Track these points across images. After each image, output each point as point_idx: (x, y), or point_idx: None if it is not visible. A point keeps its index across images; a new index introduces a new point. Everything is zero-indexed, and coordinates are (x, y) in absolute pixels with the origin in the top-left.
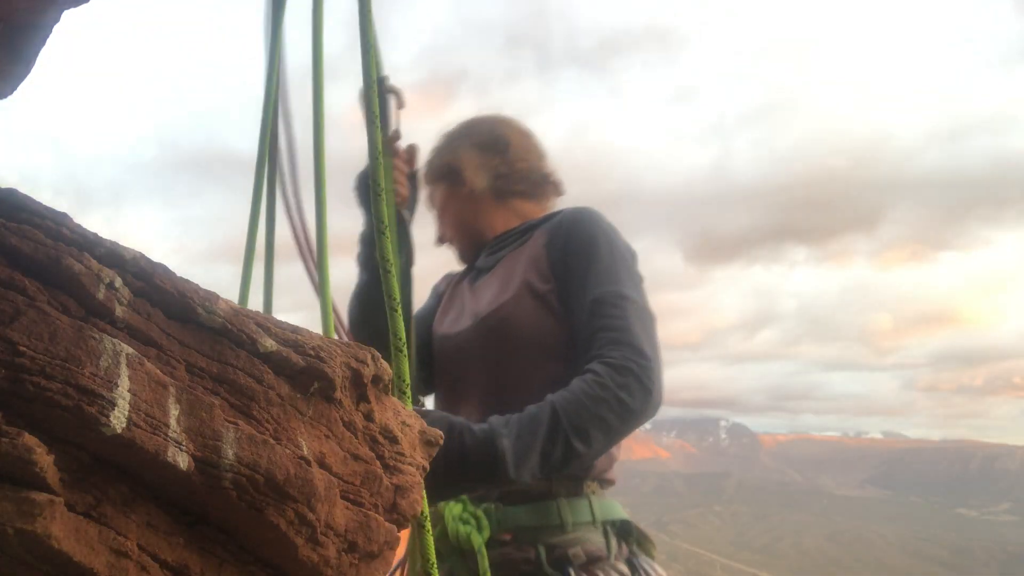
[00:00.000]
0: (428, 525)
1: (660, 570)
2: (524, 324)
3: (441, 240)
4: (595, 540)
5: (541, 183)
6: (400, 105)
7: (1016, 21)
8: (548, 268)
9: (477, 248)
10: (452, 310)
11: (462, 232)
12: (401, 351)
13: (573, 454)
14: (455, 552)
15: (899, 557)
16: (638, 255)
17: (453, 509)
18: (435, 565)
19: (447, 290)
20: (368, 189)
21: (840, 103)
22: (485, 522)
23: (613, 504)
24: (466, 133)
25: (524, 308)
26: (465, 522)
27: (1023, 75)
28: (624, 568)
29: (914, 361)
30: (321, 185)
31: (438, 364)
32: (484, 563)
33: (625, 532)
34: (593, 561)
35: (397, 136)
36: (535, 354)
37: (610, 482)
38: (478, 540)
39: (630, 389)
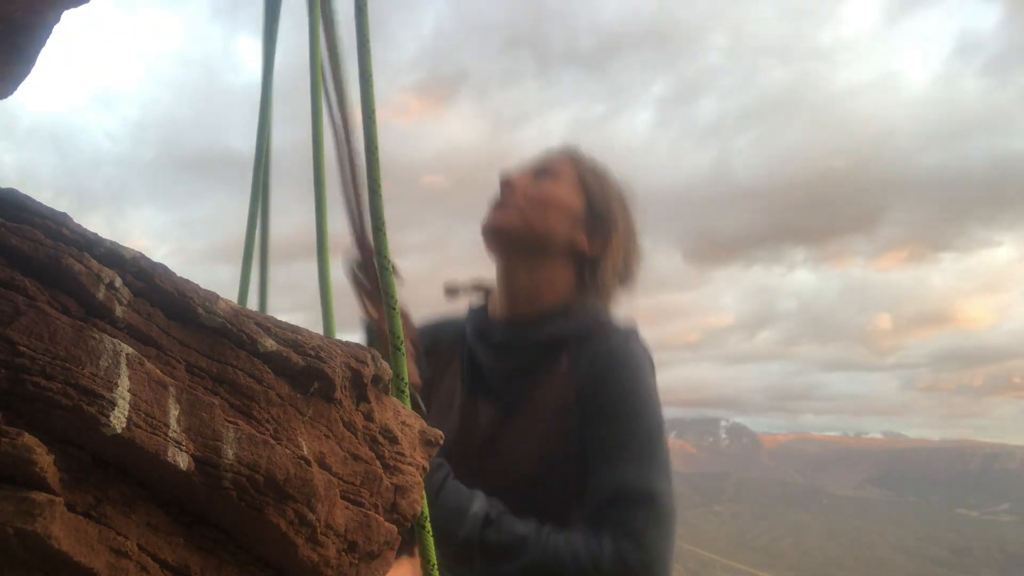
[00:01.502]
0: (428, 526)
1: None
2: (539, 487)
3: (500, 226)
4: None
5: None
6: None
7: (1017, 22)
8: (576, 425)
9: (514, 300)
10: (447, 410)
11: (523, 221)
12: (400, 350)
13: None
14: None
15: (899, 557)
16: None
17: None
18: (436, 566)
19: (445, 357)
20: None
21: (840, 103)
22: None
23: None
24: (627, 203)
25: (542, 479)
26: None
27: (1023, 76)
28: None
29: (914, 361)
30: (321, 185)
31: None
32: None
33: None
34: None
35: (406, 314)
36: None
37: None
38: None
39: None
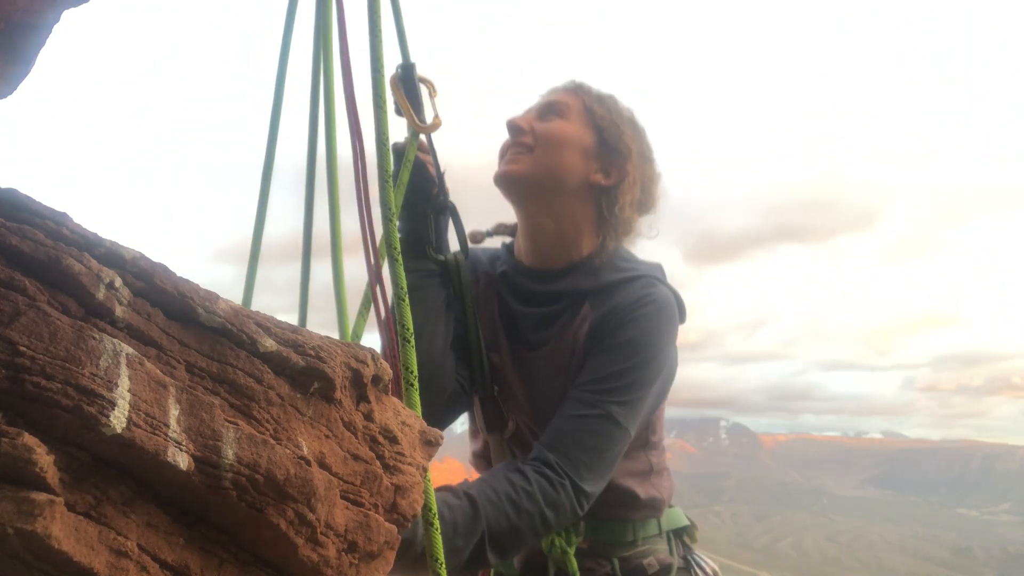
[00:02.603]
0: (437, 523)
1: (709, 562)
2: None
3: (508, 139)
4: (662, 549)
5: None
6: (433, 93)
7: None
8: (583, 356)
9: (540, 245)
10: (497, 353)
11: (538, 164)
12: (409, 342)
13: (484, 563)
14: (546, 556)
15: (899, 557)
16: (684, 319)
17: None
18: (443, 564)
19: (487, 305)
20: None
21: (840, 104)
22: (574, 536)
23: (677, 513)
24: (640, 130)
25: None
26: (559, 535)
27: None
28: (683, 566)
29: (914, 361)
30: (334, 184)
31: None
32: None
33: (681, 533)
34: (665, 570)
35: (439, 123)
36: None
37: (670, 504)
38: (573, 566)
39: (558, 508)
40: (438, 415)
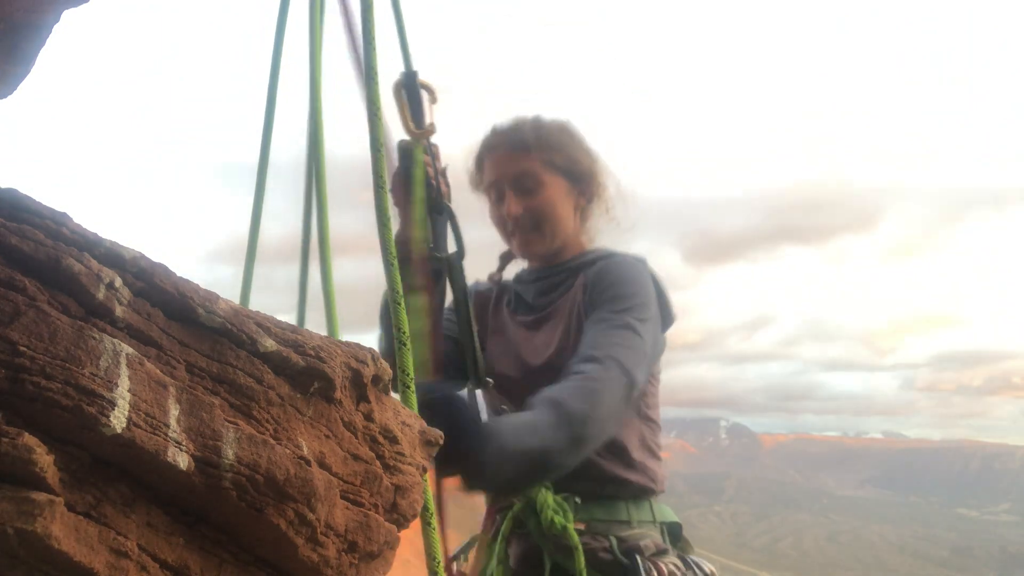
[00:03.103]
0: (435, 523)
1: (707, 564)
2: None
3: (511, 225)
4: (656, 537)
5: (605, 212)
6: (433, 100)
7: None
8: (584, 311)
9: (540, 258)
10: (501, 344)
11: (547, 236)
12: (405, 345)
13: (575, 450)
14: (547, 538)
15: (899, 557)
16: (673, 318)
17: (547, 499)
18: (440, 563)
19: (491, 311)
20: (403, 192)
21: (839, 104)
22: (571, 513)
23: (667, 509)
24: (586, 146)
25: (565, 358)
26: (557, 512)
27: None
28: (679, 563)
29: (914, 361)
30: (322, 183)
31: (491, 393)
32: (581, 560)
33: (675, 534)
34: (659, 553)
35: (432, 130)
36: None
37: (662, 491)
38: (575, 538)
39: (614, 386)
40: None
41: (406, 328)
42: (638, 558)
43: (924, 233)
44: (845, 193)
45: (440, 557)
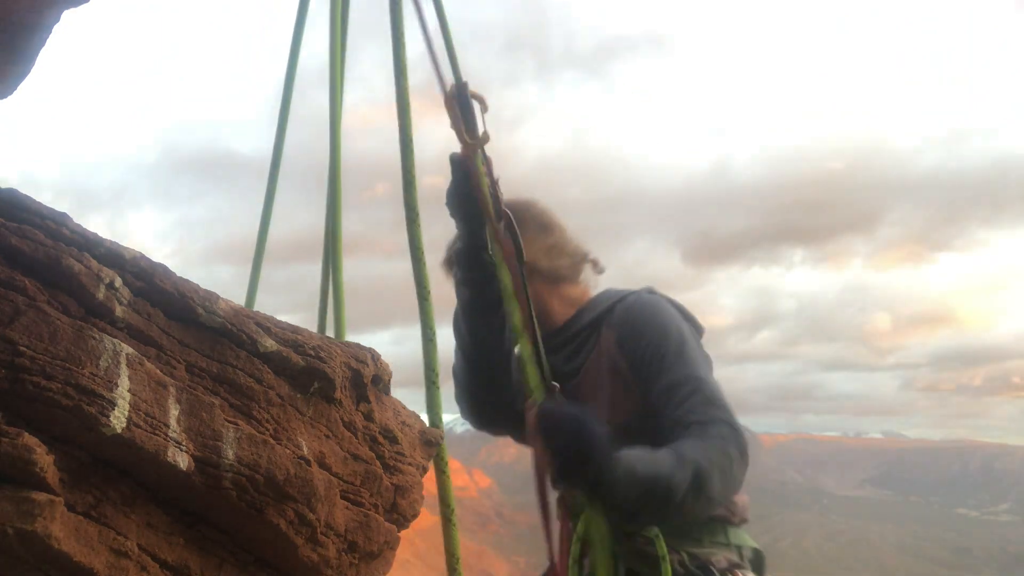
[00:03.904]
0: (455, 519)
1: None
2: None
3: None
4: (731, 555)
5: (582, 264)
6: (484, 109)
7: (1014, 24)
8: (628, 370)
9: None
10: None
11: (547, 324)
12: (432, 341)
13: (695, 499)
14: (623, 546)
15: (899, 557)
16: (703, 329)
17: None
18: (459, 560)
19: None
20: (459, 203)
21: (838, 105)
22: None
23: (746, 535)
24: (532, 222)
25: (616, 419)
26: None
27: (1020, 77)
28: None
29: (914, 361)
30: (336, 183)
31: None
32: (668, 571)
33: (754, 561)
34: (732, 568)
35: (486, 139)
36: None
37: (743, 520)
38: (663, 548)
39: (729, 442)
40: (500, 423)
41: (432, 324)
42: (713, 569)
43: (924, 233)
44: (845, 193)
45: (459, 553)
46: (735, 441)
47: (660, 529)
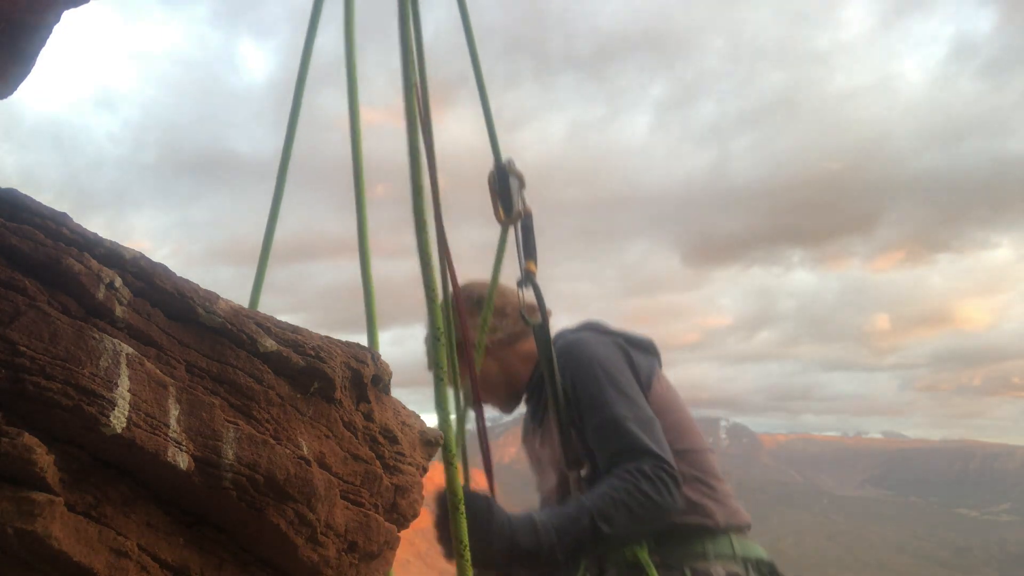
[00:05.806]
0: (463, 508)
1: None
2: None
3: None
4: (733, 567)
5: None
6: (522, 186)
7: (1011, 24)
8: (578, 413)
9: (514, 396)
10: (541, 470)
11: (500, 385)
12: (439, 340)
13: (600, 536)
14: (624, 563)
15: (899, 557)
16: (647, 343)
17: None
18: (467, 547)
19: (529, 447)
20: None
21: (837, 105)
22: (645, 545)
23: (753, 545)
24: (476, 304)
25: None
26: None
27: (1019, 77)
28: None
29: (913, 361)
30: (360, 190)
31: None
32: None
33: (763, 571)
34: None
35: (520, 216)
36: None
37: (748, 526)
38: (646, 557)
39: (645, 474)
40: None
41: (440, 324)
42: None
43: (924, 233)
44: (844, 194)
45: (466, 540)
46: (649, 473)
47: (665, 548)
